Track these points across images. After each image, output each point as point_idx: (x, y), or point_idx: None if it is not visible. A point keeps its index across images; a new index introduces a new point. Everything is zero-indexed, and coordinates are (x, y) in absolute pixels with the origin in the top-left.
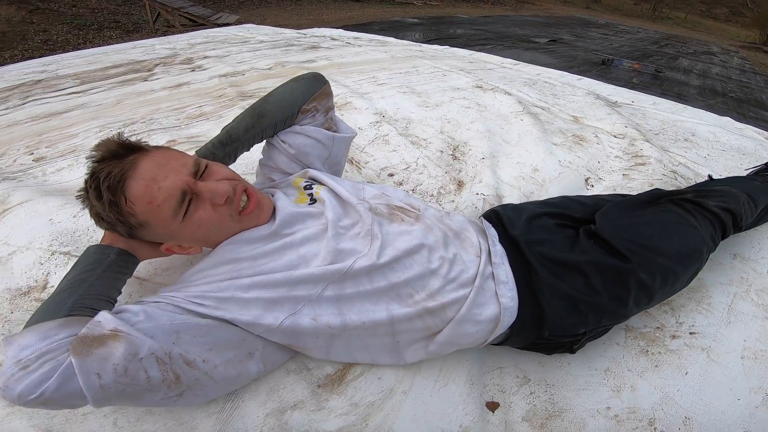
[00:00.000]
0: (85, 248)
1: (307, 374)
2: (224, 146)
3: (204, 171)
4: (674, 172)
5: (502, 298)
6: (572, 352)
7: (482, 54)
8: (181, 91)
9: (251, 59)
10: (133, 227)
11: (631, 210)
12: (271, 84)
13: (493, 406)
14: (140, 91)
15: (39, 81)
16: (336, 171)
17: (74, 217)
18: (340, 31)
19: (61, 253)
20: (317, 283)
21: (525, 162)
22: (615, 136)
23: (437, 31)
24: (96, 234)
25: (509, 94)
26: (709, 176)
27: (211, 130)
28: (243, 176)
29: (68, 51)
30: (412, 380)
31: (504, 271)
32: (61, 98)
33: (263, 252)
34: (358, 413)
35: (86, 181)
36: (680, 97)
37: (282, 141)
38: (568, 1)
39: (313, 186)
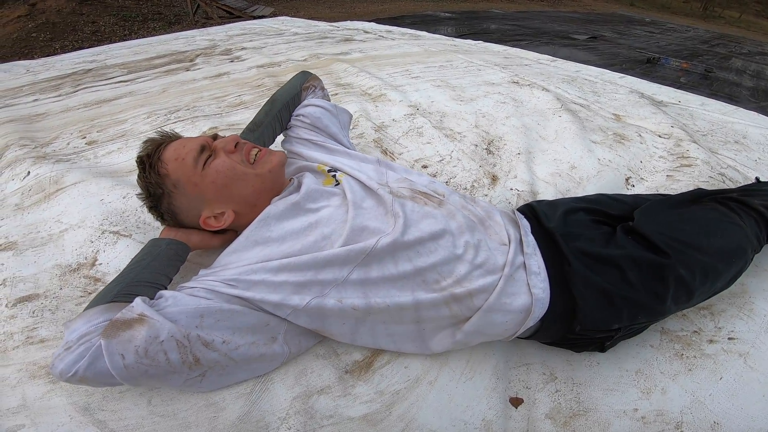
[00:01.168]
0: (132, 227)
1: (335, 359)
2: (252, 132)
3: (217, 137)
4: (722, 174)
5: (534, 289)
6: (603, 350)
7: (517, 50)
8: (221, 81)
9: (287, 51)
10: (169, 194)
11: (672, 207)
12: None
13: (516, 402)
14: (183, 80)
15: (89, 70)
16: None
17: (124, 198)
18: (373, 24)
19: (110, 232)
20: (343, 266)
21: (562, 159)
22: (660, 136)
23: (470, 26)
24: (144, 214)
25: (547, 90)
26: (757, 179)
27: (250, 118)
28: None
29: (115, 42)
30: (439, 371)
31: (536, 261)
32: (110, 86)
33: (291, 231)
34: (383, 401)
35: (136, 163)
36: (731, 99)
37: (296, 116)
38: None
39: (336, 172)
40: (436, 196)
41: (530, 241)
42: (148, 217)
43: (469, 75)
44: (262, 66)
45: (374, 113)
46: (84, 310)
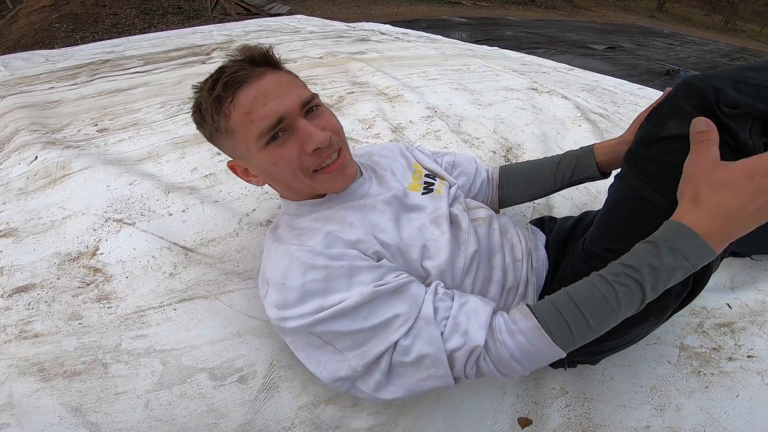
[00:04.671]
0: (137, 215)
1: None
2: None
3: (314, 109)
4: None
5: None
6: (593, 363)
7: (535, 57)
8: None
9: (302, 48)
10: (218, 130)
11: None
12: (323, 72)
13: (524, 422)
14: (199, 72)
15: (107, 60)
16: None
17: (130, 184)
18: (388, 26)
19: (114, 220)
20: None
21: None
22: None
23: (485, 32)
24: (150, 201)
25: (566, 98)
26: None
27: None
28: None
29: (135, 34)
30: None
31: (544, 276)
32: (126, 76)
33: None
34: (390, 413)
35: (212, 73)
36: None
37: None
38: (630, 9)
39: (435, 179)
40: (483, 219)
41: (540, 255)
42: (153, 204)
43: (486, 80)
44: None
45: (391, 114)
46: None
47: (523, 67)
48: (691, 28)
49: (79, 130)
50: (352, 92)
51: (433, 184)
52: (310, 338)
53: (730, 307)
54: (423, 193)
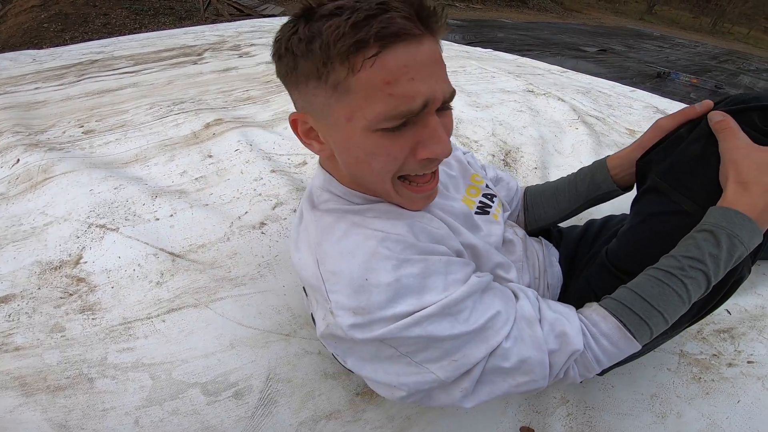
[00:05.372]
0: (120, 220)
1: (346, 380)
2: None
3: (448, 108)
4: None
5: None
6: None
7: (529, 59)
8: (229, 75)
9: None
10: (320, 76)
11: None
12: None
13: (527, 431)
14: (190, 73)
15: (96, 61)
16: None
17: (115, 188)
18: None
19: (97, 226)
20: None
21: None
22: None
23: (479, 34)
24: (135, 206)
25: (563, 101)
26: None
27: (257, 113)
28: None
29: (125, 34)
30: None
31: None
32: (115, 77)
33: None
34: (394, 427)
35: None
36: None
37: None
38: (620, 12)
39: (494, 200)
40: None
41: (555, 272)
42: (139, 208)
43: (483, 81)
44: (271, 62)
45: None
46: None
47: (518, 69)
48: (680, 31)
49: (64, 132)
50: None
51: (490, 206)
52: (381, 348)
53: (729, 312)
54: (476, 213)
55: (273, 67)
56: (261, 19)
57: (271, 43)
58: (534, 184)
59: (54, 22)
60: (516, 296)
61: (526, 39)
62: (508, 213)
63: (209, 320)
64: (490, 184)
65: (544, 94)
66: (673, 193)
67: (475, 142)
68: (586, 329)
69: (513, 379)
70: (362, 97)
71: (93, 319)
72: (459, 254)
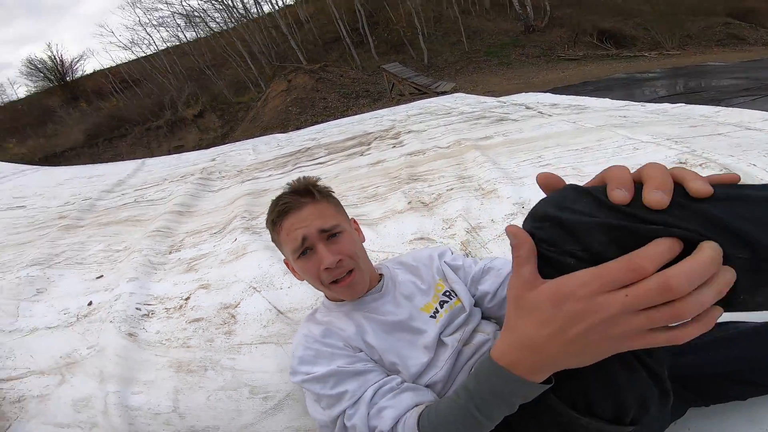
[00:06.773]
0: (263, 285)
1: None
2: None
3: (336, 234)
4: None
5: None
6: None
7: (733, 110)
8: (375, 169)
9: (440, 135)
10: (275, 240)
11: None
12: (439, 166)
13: None
14: (352, 166)
15: (307, 149)
16: None
17: (270, 266)
18: (541, 96)
19: (251, 287)
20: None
21: None
22: None
23: (671, 86)
24: (273, 279)
25: (726, 170)
26: None
27: (373, 211)
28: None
29: (337, 116)
30: None
31: None
32: (311, 167)
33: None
34: None
35: (275, 200)
36: None
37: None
38: None
39: (444, 305)
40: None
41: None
42: (277, 280)
43: (616, 156)
44: (411, 153)
45: (475, 212)
46: None
47: (691, 130)
48: None
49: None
50: (452, 189)
51: (438, 311)
52: (308, 393)
53: None
54: (431, 316)
55: (407, 160)
56: (431, 98)
57: (422, 130)
58: None
59: (294, 106)
60: (378, 385)
61: (743, 83)
62: (464, 315)
63: (279, 354)
64: (455, 287)
65: (699, 165)
66: None
67: None
68: (403, 423)
69: None
70: (284, 244)
71: (228, 339)
72: (359, 347)
